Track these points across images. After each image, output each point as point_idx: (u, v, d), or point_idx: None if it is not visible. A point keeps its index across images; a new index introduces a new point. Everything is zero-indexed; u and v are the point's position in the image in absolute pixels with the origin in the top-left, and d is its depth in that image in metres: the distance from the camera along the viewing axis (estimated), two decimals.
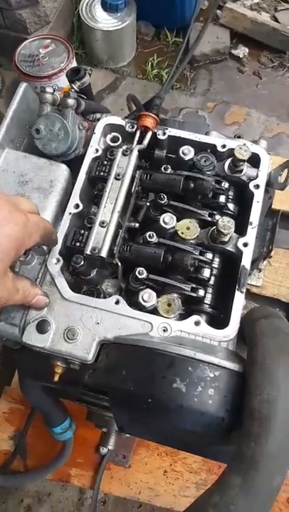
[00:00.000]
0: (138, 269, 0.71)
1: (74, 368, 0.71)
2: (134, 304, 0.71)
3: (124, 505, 1.62)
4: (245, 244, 0.73)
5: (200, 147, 0.80)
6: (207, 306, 0.73)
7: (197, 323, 0.68)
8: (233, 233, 0.73)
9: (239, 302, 0.70)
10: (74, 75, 0.88)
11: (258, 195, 0.77)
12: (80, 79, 0.88)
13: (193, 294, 0.72)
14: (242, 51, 2.59)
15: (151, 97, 0.88)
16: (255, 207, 0.76)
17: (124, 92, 2.48)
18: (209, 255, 0.74)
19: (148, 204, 0.80)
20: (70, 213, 0.78)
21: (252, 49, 2.61)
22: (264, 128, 2.35)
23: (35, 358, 0.72)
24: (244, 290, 0.71)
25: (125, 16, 2.42)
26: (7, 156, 0.80)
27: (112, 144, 0.83)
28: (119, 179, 0.77)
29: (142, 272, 0.71)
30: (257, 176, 0.78)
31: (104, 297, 0.74)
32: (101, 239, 0.73)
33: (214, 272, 0.75)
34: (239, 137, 0.89)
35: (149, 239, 0.73)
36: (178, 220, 0.74)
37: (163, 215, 0.74)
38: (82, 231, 0.76)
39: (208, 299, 0.73)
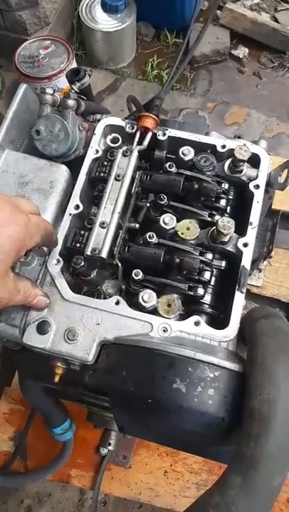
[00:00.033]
0: (134, 270, 0.71)
1: (74, 368, 0.71)
2: (135, 304, 0.71)
3: (124, 506, 1.61)
4: (245, 245, 0.73)
5: (200, 148, 0.81)
6: (207, 306, 0.73)
7: (197, 324, 0.68)
8: (233, 233, 0.73)
9: (239, 302, 0.70)
10: (74, 76, 0.88)
11: (258, 196, 0.77)
12: (79, 80, 0.88)
13: (193, 294, 0.72)
14: (242, 51, 2.60)
15: (151, 98, 0.88)
16: (255, 207, 0.76)
17: (124, 92, 2.48)
18: (209, 255, 0.74)
19: (148, 205, 0.80)
20: (70, 214, 0.78)
21: (252, 49, 2.61)
22: (264, 128, 2.36)
23: (36, 358, 0.72)
24: (244, 290, 0.71)
25: (125, 16, 2.42)
26: (7, 157, 0.81)
27: (112, 145, 0.83)
28: (119, 180, 0.77)
29: (137, 274, 0.71)
30: (257, 177, 0.79)
31: (105, 298, 0.74)
32: (101, 240, 0.73)
33: (214, 272, 0.75)
34: (239, 137, 0.89)
35: (149, 239, 0.73)
36: (178, 221, 0.75)
37: (163, 216, 0.74)
38: (83, 232, 0.76)
39: (208, 299, 0.73)
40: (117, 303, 0.71)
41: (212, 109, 2.43)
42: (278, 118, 2.39)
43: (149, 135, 0.81)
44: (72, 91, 0.86)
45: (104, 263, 0.74)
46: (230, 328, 0.68)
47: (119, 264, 0.73)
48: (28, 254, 0.73)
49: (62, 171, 0.80)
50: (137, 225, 0.79)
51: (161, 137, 0.82)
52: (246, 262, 0.72)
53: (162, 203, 0.77)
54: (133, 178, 0.79)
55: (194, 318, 0.69)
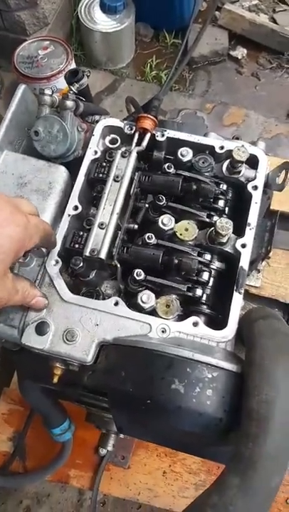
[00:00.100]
0: (136, 270, 0.71)
1: (73, 369, 0.71)
2: (133, 305, 0.71)
3: (123, 506, 1.61)
4: (244, 246, 0.73)
5: (198, 149, 0.81)
6: (205, 307, 0.73)
7: (195, 324, 0.69)
8: (232, 234, 0.73)
9: (237, 303, 0.70)
10: (72, 77, 0.89)
11: (256, 197, 0.77)
12: (78, 81, 0.89)
13: (192, 295, 0.72)
14: (240, 52, 2.60)
15: (150, 99, 0.88)
16: (254, 208, 0.76)
17: (123, 93, 2.49)
18: (207, 256, 0.74)
19: (147, 205, 0.80)
20: (69, 215, 0.78)
21: (250, 50, 2.62)
22: (262, 129, 2.36)
23: (35, 359, 0.72)
24: (242, 291, 0.71)
25: (124, 17, 2.42)
26: (6, 158, 0.81)
27: (110, 146, 0.84)
28: (118, 181, 0.78)
29: (139, 274, 0.71)
30: (255, 178, 0.79)
31: (104, 299, 0.74)
32: (100, 240, 0.73)
33: (212, 273, 0.75)
34: (237, 138, 0.89)
35: (147, 240, 0.73)
36: (176, 222, 0.75)
37: (161, 217, 0.75)
38: (81, 233, 0.76)
39: (206, 300, 0.73)
40: (116, 304, 0.71)
41: (211, 109, 2.43)
42: (277, 119, 2.39)
43: (148, 136, 0.81)
44: (71, 92, 0.86)
45: (103, 264, 0.74)
46: (229, 329, 0.68)
47: (118, 265, 0.74)
48: (27, 255, 0.73)
49: (61, 172, 0.80)
50: (136, 226, 0.79)
51: (159, 138, 0.82)
52: (244, 262, 0.72)
53: (161, 203, 0.77)
54: (132, 179, 0.79)
55: (193, 318, 0.69)
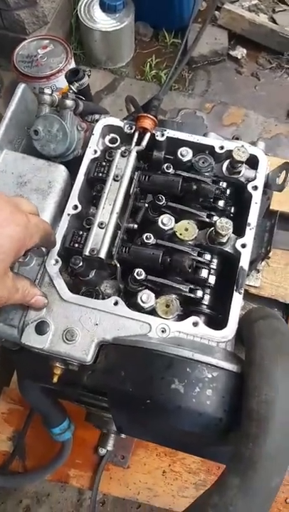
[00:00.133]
0: (136, 270, 0.71)
1: (73, 369, 0.71)
2: (133, 305, 0.71)
3: (123, 506, 1.62)
4: (243, 246, 0.73)
5: (198, 148, 0.81)
6: (205, 307, 0.73)
7: (195, 324, 0.68)
8: (231, 234, 0.73)
9: (237, 303, 0.70)
10: (73, 76, 0.89)
11: (256, 197, 0.77)
12: (78, 80, 0.88)
13: (192, 295, 0.72)
14: (240, 52, 2.60)
15: (150, 99, 0.88)
16: (253, 208, 0.76)
17: (122, 92, 2.48)
18: (207, 256, 0.74)
19: (146, 205, 0.80)
20: (68, 214, 0.78)
21: (250, 50, 2.61)
22: (262, 129, 2.36)
23: (34, 359, 0.72)
24: (242, 291, 0.71)
25: (123, 16, 2.42)
26: (5, 157, 0.80)
27: (110, 145, 0.83)
28: (117, 180, 0.78)
29: (140, 273, 0.71)
30: (255, 178, 0.79)
31: (103, 298, 0.74)
32: (100, 240, 0.73)
33: (212, 273, 0.75)
34: (237, 138, 0.89)
35: (147, 240, 0.73)
36: (176, 221, 0.75)
37: (161, 217, 0.75)
38: (81, 232, 0.76)
39: (206, 300, 0.73)
40: (116, 303, 0.71)
41: (210, 109, 2.43)
42: (276, 119, 2.39)
43: (148, 136, 0.81)
44: (71, 91, 0.86)
45: (102, 263, 0.74)
46: (229, 329, 0.68)
47: (118, 265, 0.74)
48: (27, 255, 0.73)
49: (61, 171, 0.80)
50: (136, 226, 0.79)
51: (159, 138, 0.82)
52: (244, 262, 0.72)
53: (160, 203, 0.77)
54: (131, 179, 0.79)
55: (192, 318, 0.69)
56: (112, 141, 0.84)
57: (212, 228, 0.73)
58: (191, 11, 2.45)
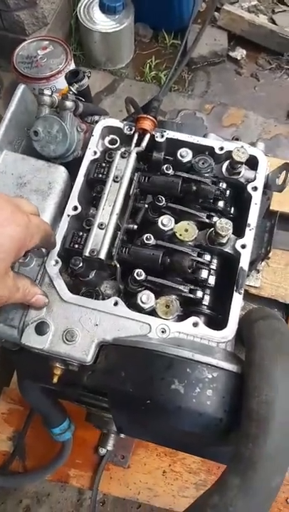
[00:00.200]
0: (136, 270, 0.71)
1: (73, 369, 0.71)
2: (133, 305, 0.71)
3: (123, 506, 1.62)
4: (243, 246, 0.73)
5: (198, 149, 0.81)
6: (205, 307, 0.73)
7: (195, 325, 0.69)
8: (231, 235, 0.73)
9: (237, 303, 0.70)
10: (73, 77, 0.89)
11: (256, 198, 0.77)
12: (78, 81, 0.89)
13: (192, 296, 0.72)
14: (240, 53, 2.60)
15: (150, 100, 0.88)
16: (253, 209, 0.76)
17: (122, 93, 2.49)
18: (207, 257, 0.74)
19: (146, 206, 0.80)
20: (68, 215, 0.78)
21: (250, 51, 2.62)
22: (262, 130, 2.36)
23: (34, 359, 0.73)
24: (242, 291, 0.71)
25: (123, 17, 2.42)
26: (5, 158, 0.81)
27: (110, 147, 0.84)
28: (117, 181, 0.78)
29: (140, 274, 0.71)
30: (255, 178, 0.79)
31: (103, 299, 0.75)
32: (99, 241, 0.73)
33: (212, 273, 0.75)
34: (237, 139, 0.89)
35: (147, 241, 0.74)
36: (176, 222, 0.75)
37: (161, 217, 0.75)
38: (81, 233, 0.76)
39: (206, 301, 0.74)
40: (116, 304, 0.71)
41: (210, 110, 2.43)
42: (276, 120, 2.39)
43: (148, 137, 0.81)
44: (71, 92, 0.86)
45: (102, 264, 0.74)
46: (229, 329, 0.68)
47: (118, 265, 0.74)
48: (27, 255, 0.73)
49: (61, 172, 0.80)
50: (135, 227, 0.79)
51: (159, 139, 0.82)
52: (244, 263, 0.72)
53: (160, 204, 0.77)
54: (131, 180, 0.79)
55: (192, 319, 0.69)
56: (112, 142, 0.84)
57: (212, 229, 0.73)
58: (190, 12, 2.45)
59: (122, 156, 0.79)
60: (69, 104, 0.80)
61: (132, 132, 0.83)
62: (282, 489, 1.13)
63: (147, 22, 2.62)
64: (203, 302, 0.73)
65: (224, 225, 0.71)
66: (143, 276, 0.71)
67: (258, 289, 1.11)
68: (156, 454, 1.23)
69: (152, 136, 0.82)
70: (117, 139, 0.84)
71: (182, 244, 0.74)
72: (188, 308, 0.73)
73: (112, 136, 0.84)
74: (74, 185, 0.80)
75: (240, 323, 0.69)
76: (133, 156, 0.79)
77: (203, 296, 0.73)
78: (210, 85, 2.55)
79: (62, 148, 0.80)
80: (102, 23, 2.41)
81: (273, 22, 2.60)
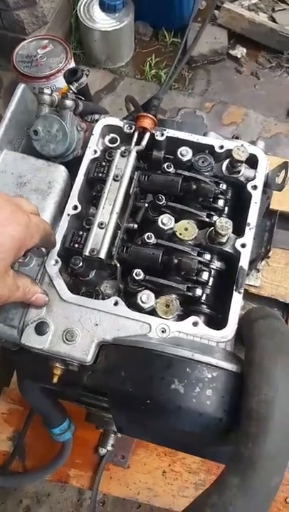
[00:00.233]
0: (135, 270, 0.71)
1: (73, 369, 0.71)
2: (133, 305, 0.71)
3: (123, 506, 1.62)
4: (243, 245, 0.73)
5: (198, 148, 0.81)
6: (205, 306, 0.73)
7: (195, 324, 0.68)
8: (231, 234, 0.73)
9: (237, 303, 0.70)
10: (71, 76, 0.88)
11: (256, 196, 0.77)
12: (77, 80, 0.88)
13: (191, 294, 0.72)
14: (240, 51, 2.60)
15: (150, 98, 0.88)
16: (253, 208, 0.76)
17: (122, 92, 2.48)
18: (207, 256, 0.74)
19: (146, 205, 0.80)
20: (68, 215, 0.78)
21: (250, 49, 2.61)
22: (262, 128, 2.36)
23: (34, 359, 0.72)
24: (242, 291, 0.71)
25: (123, 16, 2.42)
26: (5, 157, 0.80)
27: (110, 145, 0.83)
28: (117, 180, 0.77)
29: (138, 274, 0.71)
30: (255, 177, 0.79)
31: (103, 298, 0.74)
32: (100, 240, 0.73)
33: (212, 272, 0.75)
34: (237, 138, 0.89)
35: (147, 240, 0.73)
36: (176, 221, 0.75)
37: (161, 216, 0.75)
38: (81, 232, 0.76)
39: (206, 300, 0.73)
40: (116, 303, 0.71)
41: (210, 108, 2.43)
42: (276, 118, 2.39)
43: (148, 135, 0.81)
44: (70, 91, 0.86)
45: (102, 264, 0.74)
46: (228, 329, 0.68)
47: (118, 265, 0.74)
48: (27, 255, 0.73)
49: (61, 172, 0.80)
50: (136, 226, 0.79)
51: (159, 137, 0.82)
52: (244, 262, 0.72)
53: (160, 203, 0.77)
54: (131, 179, 0.79)
55: (192, 318, 0.69)
56: (112, 141, 0.84)
57: (212, 228, 0.73)
58: (190, 10, 2.45)
59: (122, 155, 0.79)
60: (69, 103, 0.80)
61: (132, 131, 0.83)
62: (281, 489, 1.14)
63: (147, 20, 2.62)
64: (203, 301, 0.73)
65: (224, 224, 0.70)
66: (142, 276, 0.71)
67: (258, 289, 1.11)
68: (156, 453, 1.23)
69: (152, 135, 0.82)
70: (117, 137, 0.84)
71: (182, 244, 0.74)
72: (188, 307, 0.73)
73: (112, 134, 0.84)
74: (74, 185, 0.80)
75: (240, 322, 0.68)
76: (133, 154, 0.79)
77: (202, 295, 0.73)
78: (210, 83, 2.55)
79: (62, 148, 0.80)
80: (102, 21, 2.41)
81: (273, 20, 2.60)
